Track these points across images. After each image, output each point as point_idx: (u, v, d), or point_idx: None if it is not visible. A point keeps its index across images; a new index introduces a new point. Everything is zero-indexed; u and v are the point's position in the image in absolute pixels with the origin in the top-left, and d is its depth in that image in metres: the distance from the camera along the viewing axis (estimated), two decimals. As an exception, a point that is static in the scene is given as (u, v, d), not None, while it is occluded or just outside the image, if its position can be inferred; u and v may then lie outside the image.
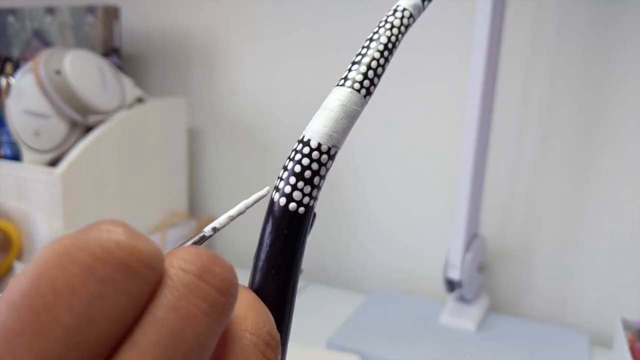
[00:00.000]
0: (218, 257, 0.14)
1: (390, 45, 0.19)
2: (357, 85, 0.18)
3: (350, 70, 0.19)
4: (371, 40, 0.19)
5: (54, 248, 0.12)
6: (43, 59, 0.66)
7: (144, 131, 0.75)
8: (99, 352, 0.12)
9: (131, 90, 0.74)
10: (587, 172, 0.65)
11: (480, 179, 0.62)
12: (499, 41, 0.59)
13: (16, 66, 0.83)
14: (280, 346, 0.16)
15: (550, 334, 0.62)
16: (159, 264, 0.13)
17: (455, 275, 0.62)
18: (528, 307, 0.70)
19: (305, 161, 0.18)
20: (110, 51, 0.79)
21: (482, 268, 0.67)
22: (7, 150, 0.70)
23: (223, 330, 0.14)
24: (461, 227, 0.61)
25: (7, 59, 0.85)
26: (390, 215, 0.77)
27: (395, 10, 0.20)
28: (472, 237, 0.63)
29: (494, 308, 0.70)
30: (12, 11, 0.83)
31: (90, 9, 0.78)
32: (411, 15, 0.20)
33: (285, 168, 0.18)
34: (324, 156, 0.18)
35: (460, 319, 0.63)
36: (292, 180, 0.18)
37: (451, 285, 0.63)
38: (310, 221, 0.18)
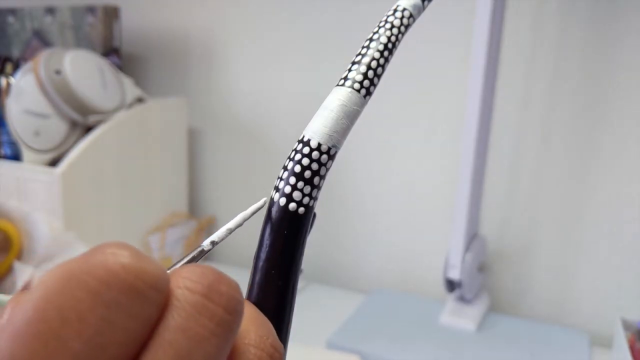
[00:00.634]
0: (223, 275, 0.14)
1: (390, 45, 0.19)
2: (357, 85, 0.18)
3: (350, 70, 0.19)
4: (371, 40, 0.19)
5: (59, 273, 0.12)
6: (43, 59, 0.66)
7: (144, 131, 0.75)
8: None
9: (131, 90, 0.74)
10: (587, 172, 0.65)
11: (480, 179, 0.62)
12: (499, 41, 0.59)
13: (16, 66, 0.83)
14: (284, 357, 0.16)
15: (550, 334, 0.62)
16: (165, 285, 0.13)
17: (455, 275, 0.62)
18: (528, 307, 0.70)
19: (305, 161, 0.18)
20: (110, 51, 0.79)
21: (482, 268, 0.67)
22: (7, 150, 0.70)
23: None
24: (461, 227, 0.61)
25: (7, 59, 0.85)
26: (391, 215, 0.77)
27: (395, 10, 0.20)
28: (472, 237, 0.63)
29: (494, 308, 0.70)
30: (12, 11, 0.83)
31: (90, 9, 0.78)
32: (411, 15, 0.20)
33: (285, 168, 0.18)
34: (324, 156, 0.18)
35: (460, 319, 0.63)
36: (292, 180, 0.18)
37: (451, 285, 0.63)
38: (310, 221, 0.18)
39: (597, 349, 0.61)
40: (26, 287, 0.53)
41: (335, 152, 0.18)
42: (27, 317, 0.12)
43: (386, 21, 0.19)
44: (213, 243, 0.18)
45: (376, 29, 0.19)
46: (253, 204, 0.19)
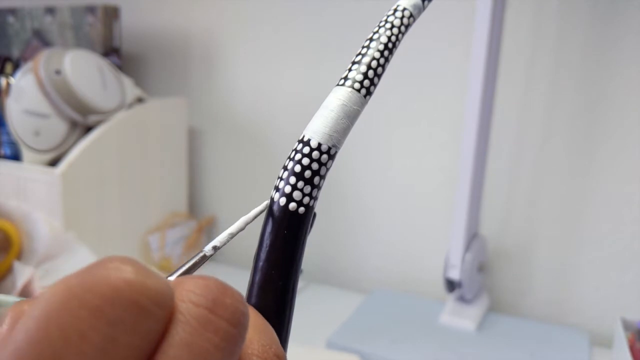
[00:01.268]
0: (227, 286, 0.14)
1: (390, 45, 0.19)
2: (357, 85, 0.18)
3: (350, 70, 0.19)
4: (371, 40, 0.19)
5: (61, 290, 0.12)
6: (43, 59, 0.66)
7: (144, 131, 0.75)
8: None
9: (131, 90, 0.74)
10: (587, 172, 0.65)
11: (480, 178, 0.62)
12: (499, 41, 0.59)
13: (16, 66, 0.83)
14: None
15: (550, 334, 0.62)
16: (169, 301, 0.13)
17: (455, 275, 0.62)
18: (528, 307, 0.70)
19: (306, 161, 0.18)
20: (110, 51, 0.79)
21: (482, 268, 0.67)
22: (7, 150, 0.70)
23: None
24: (461, 227, 0.61)
25: (7, 59, 0.85)
26: (391, 215, 0.77)
27: (395, 10, 0.20)
28: (472, 237, 0.63)
29: (494, 308, 0.70)
30: (12, 11, 0.83)
31: (90, 9, 0.78)
32: (411, 15, 0.20)
33: (285, 168, 0.18)
34: (324, 156, 0.18)
35: (460, 319, 0.63)
36: (292, 180, 0.18)
37: (451, 285, 0.63)
38: (311, 221, 0.18)
39: (597, 349, 0.61)
40: (26, 288, 0.53)
41: (336, 152, 0.18)
42: (28, 336, 0.11)
43: (386, 21, 0.19)
44: (215, 248, 0.18)
45: (376, 29, 0.19)
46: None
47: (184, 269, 0.17)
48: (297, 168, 0.18)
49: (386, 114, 0.74)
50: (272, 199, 0.18)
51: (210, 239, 0.89)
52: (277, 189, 0.18)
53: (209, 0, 0.84)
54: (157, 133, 0.77)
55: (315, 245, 0.81)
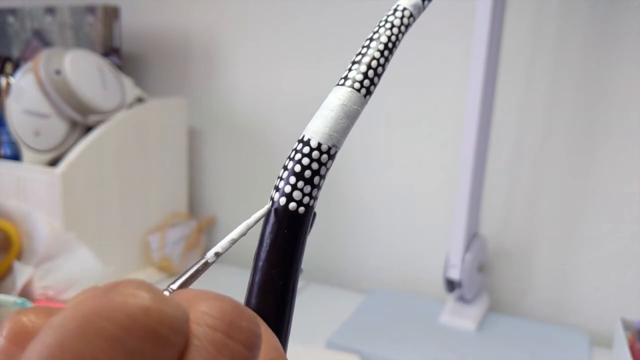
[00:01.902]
0: (242, 308, 0.14)
1: (390, 45, 0.19)
2: (357, 85, 0.18)
3: (350, 69, 0.19)
4: (371, 39, 0.19)
5: (76, 317, 0.11)
6: (43, 59, 0.66)
7: (144, 131, 0.75)
8: None
9: (131, 90, 0.74)
10: (587, 171, 0.65)
11: (480, 178, 0.62)
12: (499, 41, 0.59)
13: (16, 66, 0.83)
14: None
15: (550, 334, 0.62)
16: (186, 326, 0.13)
17: (455, 275, 0.62)
18: (528, 307, 0.70)
19: (306, 161, 0.18)
20: (110, 51, 0.79)
21: (482, 268, 0.67)
22: (7, 150, 0.70)
23: None
24: (461, 227, 0.61)
25: (7, 59, 0.85)
26: (390, 214, 0.77)
27: (395, 10, 0.20)
28: (472, 237, 0.63)
29: (494, 308, 0.70)
30: (12, 11, 0.83)
31: (90, 9, 0.78)
32: (411, 15, 0.20)
33: (285, 168, 0.18)
34: (324, 156, 0.18)
35: (460, 319, 0.63)
36: (292, 179, 0.18)
37: (451, 285, 0.63)
38: (311, 221, 0.18)
39: (597, 349, 0.61)
40: (26, 288, 0.53)
41: (336, 152, 0.18)
42: None
43: (386, 21, 0.19)
44: (217, 254, 0.18)
45: (376, 29, 0.19)
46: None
47: (186, 276, 0.17)
48: (297, 168, 0.18)
49: (386, 114, 0.74)
50: (272, 199, 0.18)
51: (210, 239, 0.89)
52: (277, 188, 0.18)
53: (209, 0, 0.84)
54: (157, 133, 0.77)
55: (315, 245, 0.81)
